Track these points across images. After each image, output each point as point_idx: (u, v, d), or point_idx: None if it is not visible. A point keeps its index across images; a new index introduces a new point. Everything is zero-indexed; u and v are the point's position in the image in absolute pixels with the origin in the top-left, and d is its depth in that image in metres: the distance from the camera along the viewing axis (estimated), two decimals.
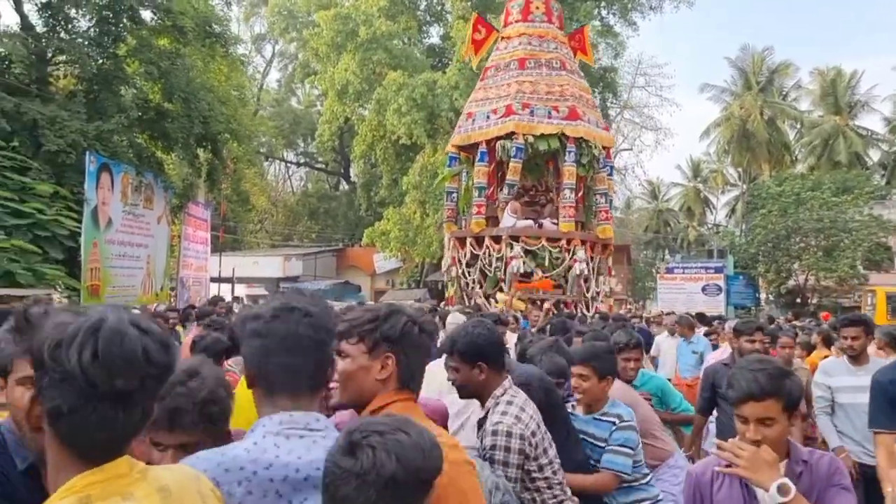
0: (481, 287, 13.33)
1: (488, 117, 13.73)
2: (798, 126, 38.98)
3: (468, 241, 13.74)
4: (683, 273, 27.32)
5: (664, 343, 8.76)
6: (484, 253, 13.19)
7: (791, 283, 27.66)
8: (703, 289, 26.36)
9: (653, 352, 8.59)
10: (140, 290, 16.05)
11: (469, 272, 13.54)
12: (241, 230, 32.60)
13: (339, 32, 25.53)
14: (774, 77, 38.30)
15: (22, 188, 11.98)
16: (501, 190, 13.79)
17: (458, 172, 14.98)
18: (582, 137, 13.40)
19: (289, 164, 45.34)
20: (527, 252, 12.96)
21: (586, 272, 12.90)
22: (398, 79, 23.72)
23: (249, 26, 41.02)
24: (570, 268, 12.84)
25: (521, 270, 12.64)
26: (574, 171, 13.44)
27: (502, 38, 14.66)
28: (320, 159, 41.00)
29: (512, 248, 12.91)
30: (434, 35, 32.67)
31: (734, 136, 36.74)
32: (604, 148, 14.10)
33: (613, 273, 15.15)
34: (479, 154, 13.94)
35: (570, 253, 13.04)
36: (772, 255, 26.53)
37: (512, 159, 13.25)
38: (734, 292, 27.57)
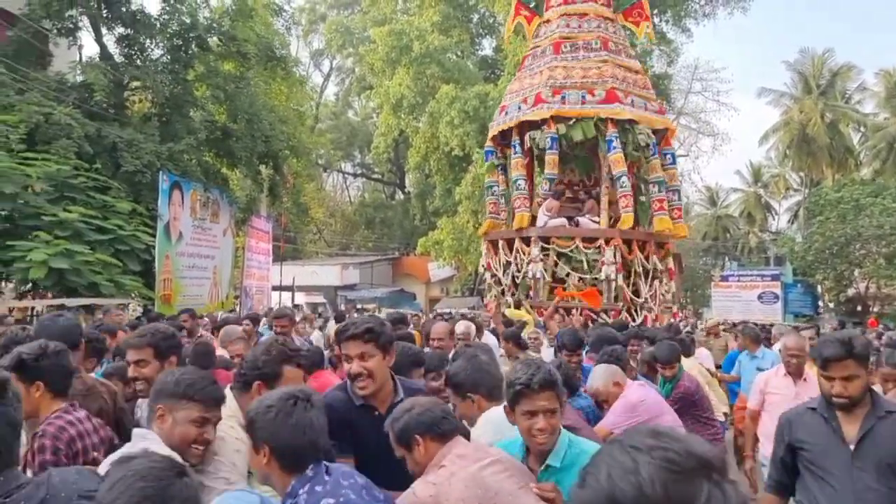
0: (513, 295, 12.31)
1: (519, 108, 12.67)
2: (862, 129, 37.91)
3: (500, 243, 12.70)
4: (739, 281, 27.00)
5: (743, 360, 7.40)
6: (515, 256, 12.08)
7: (851, 291, 27.03)
8: (760, 297, 26.01)
9: (734, 370, 7.59)
10: (207, 298, 17.09)
11: (504, 278, 12.40)
12: (300, 240, 33.79)
13: (393, 48, 26.34)
14: (836, 80, 37.37)
15: (104, 206, 13.02)
16: (537, 186, 12.83)
17: (497, 166, 13.96)
18: (625, 121, 11.99)
19: (346, 175, 46.62)
20: (560, 255, 11.69)
21: (612, 275, 11.23)
22: (451, 92, 24.35)
23: (308, 43, 42.50)
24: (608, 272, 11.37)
25: (539, 275, 11.46)
26: (620, 160, 11.89)
27: (543, 22, 13.54)
28: (377, 170, 42.08)
29: (544, 250, 11.66)
30: (487, 47, 33.29)
31: (793, 141, 36.04)
32: (654, 132, 12.41)
33: (675, 276, 13.16)
34: (513, 146, 12.95)
35: (613, 254, 11.46)
36: (830, 262, 26.01)
37: (547, 151, 12.11)
38: (792, 300, 27.07)
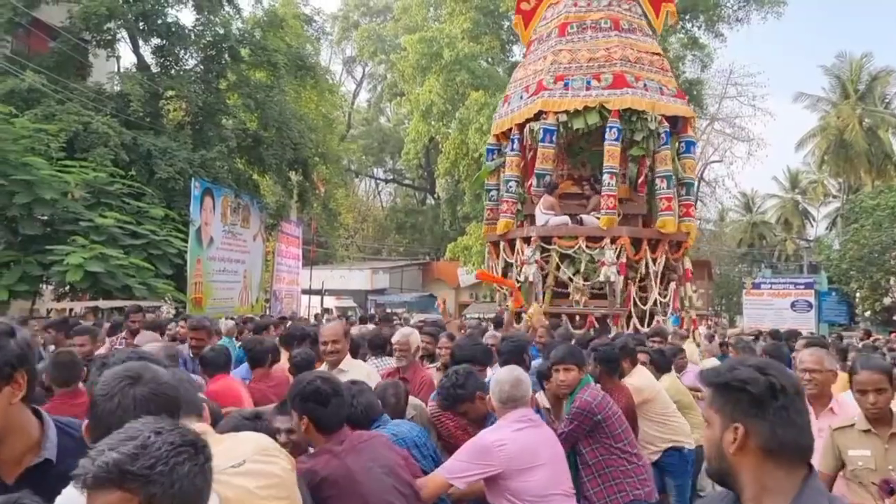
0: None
1: (521, 98, 11.63)
2: None
3: (501, 245, 11.70)
4: (771, 288, 26.65)
5: None
6: (515, 259, 11.17)
7: (888, 300, 26.43)
8: (793, 305, 25.65)
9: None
10: (237, 301, 17.53)
11: (523, 284, 11.15)
12: (331, 245, 34.28)
13: (424, 55, 26.61)
14: (875, 84, 36.50)
15: (138, 212, 13.48)
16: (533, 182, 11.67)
17: (496, 167, 12.70)
18: (631, 108, 10.73)
19: (378, 181, 47.09)
20: (563, 256, 10.68)
21: (612, 278, 10.24)
22: (480, 98, 24.51)
23: (341, 50, 43.10)
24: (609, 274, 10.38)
25: (534, 278, 10.52)
26: (617, 152, 10.70)
27: (550, 4, 12.50)
28: (407, 176, 42.45)
29: (544, 251, 10.73)
30: (517, 54, 33.34)
31: (831, 147, 35.32)
32: (670, 119, 11.24)
33: (692, 280, 12.15)
34: (510, 142, 11.87)
35: (616, 254, 10.46)
36: (866, 270, 25.48)
37: (540, 144, 11.06)
38: (826, 309, 26.61)
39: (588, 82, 10.93)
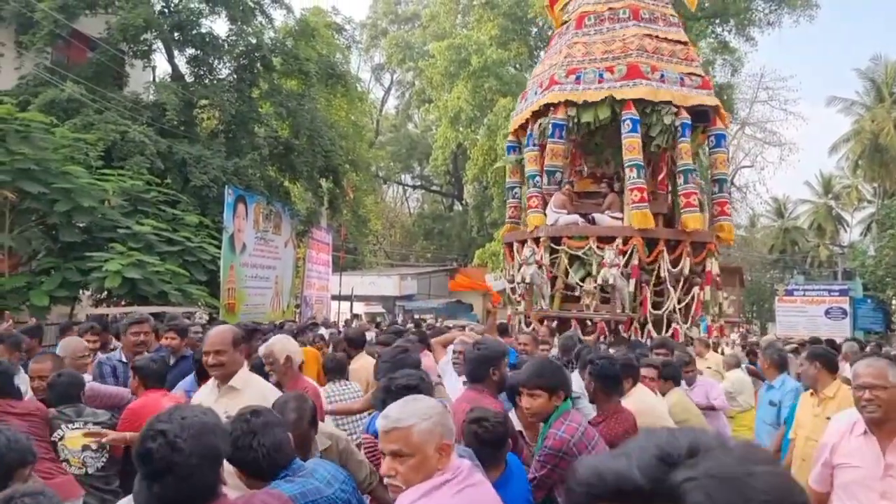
0: (519, 304, 11.05)
1: (536, 93, 11.33)
2: None
3: (515, 247, 11.21)
4: (804, 295, 26.14)
5: (760, 392, 6.15)
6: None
7: None
8: (827, 312, 25.13)
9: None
10: (269, 307, 17.72)
11: (518, 286, 10.80)
12: (360, 251, 34.50)
13: (452, 62, 26.77)
14: None
15: (173, 219, 13.71)
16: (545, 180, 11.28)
17: (515, 162, 12.55)
18: (644, 100, 10.20)
19: (406, 187, 47.30)
20: (573, 258, 10.11)
21: (612, 281, 9.54)
22: (508, 105, 24.53)
23: (370, 57, 43.45)
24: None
25: (532, 280, 10.02)
26: (636, 143, 10.16)
27: None
28: (435, 182, 42.57)
29: (554, 251, 10.21)
30: None
31: (865, 151, 34.71)
32: (695, 111, 10.57)
33: (718, 285, 11.16)
34: (528, 137, 11.53)
35: (627, 256, 9.74)
36: None
37: (549, 140, 10.70)
38: (862, 316, 26.04)
39: (601, 75, 10.50)
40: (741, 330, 22.46)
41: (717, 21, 28.02)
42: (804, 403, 4.21)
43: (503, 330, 9.07)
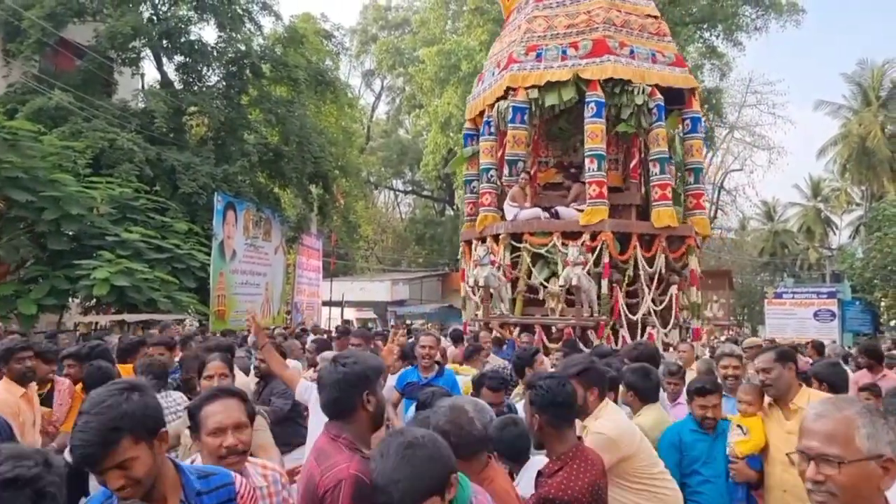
0: (478, 308, 9.87)
1: (493, 75, 10.31)
2: None
3: (473, 245, 10.12)
4: (793, 298, 26.34)
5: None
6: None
7: None
8: (815, 314, 25.33)
9: None
10: (260, 314, 17.71)
11: (477, 288, 9.48)
12: (352, 256, 34.50)
13: (442, 67, 26.82)
14: None
15: (162, 226, 13.70)
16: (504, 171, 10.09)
17: (472, 155, 11.19)
18: (613, 79, 9.17)
19: (397, 192, 47.32)
20: (536, 256, 9.12)
21: (575, 282, 8.40)
22: None
23: (360, 63, 43.48)
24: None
25: (486, 282, 8.97)
26: (598, 130, 9.13)
27: None
28: (426, 187, 42.61)
29: (515, 249, 9.22)
30: None
31: (853, 154, 34.98)
32: (664, 91, 9.51)
33: (699, 285, 10.08)
34: (484, 125, 10.41)
35: (595, 252, 8.79)
36: (890, 279, 25.14)
37: (510, 125, 9.59)
38: (850, 318, 26.27)
39: (564, 51, 9.44)
40: (729, 333, 22.57)
41: (705, 26, 28.21)
42: (770, 424, 3.34)
43: (457, 338, 8.38)
